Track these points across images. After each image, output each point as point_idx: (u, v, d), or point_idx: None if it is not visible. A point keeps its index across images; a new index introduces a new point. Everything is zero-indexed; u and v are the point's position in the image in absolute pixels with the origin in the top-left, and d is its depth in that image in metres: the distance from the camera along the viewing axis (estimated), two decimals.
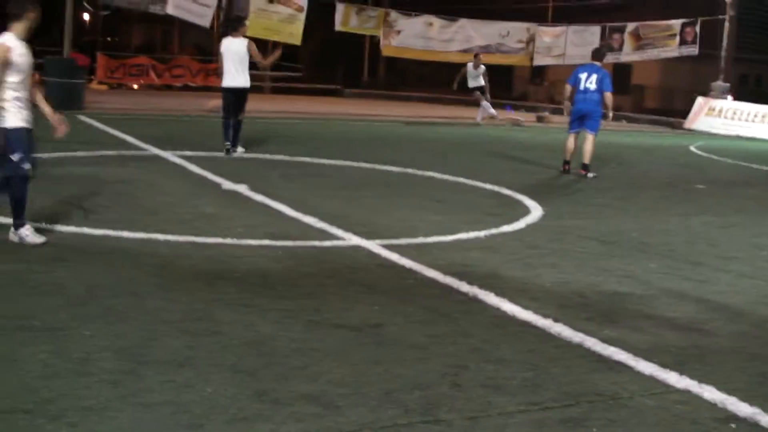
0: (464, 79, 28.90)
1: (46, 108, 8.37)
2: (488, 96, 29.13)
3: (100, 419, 4.61)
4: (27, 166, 8.16)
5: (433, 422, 4.85)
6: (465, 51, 34.87)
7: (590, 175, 16.68)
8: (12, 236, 8.33)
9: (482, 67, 28.79)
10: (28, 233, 8.31)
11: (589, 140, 16.90)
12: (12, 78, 8.03)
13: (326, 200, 11.92)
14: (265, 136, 19.85)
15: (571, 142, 17.17)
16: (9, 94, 8.05)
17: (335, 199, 12.11)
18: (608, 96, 16.63)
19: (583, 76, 16.81)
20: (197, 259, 8.25)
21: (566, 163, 17.12)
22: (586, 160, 16.80)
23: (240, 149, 16.32)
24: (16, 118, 8.09)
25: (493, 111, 29.57)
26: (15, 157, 8.05)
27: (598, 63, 17.11)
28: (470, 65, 28.79)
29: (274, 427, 4.63)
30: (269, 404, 4.94)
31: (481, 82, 28.81)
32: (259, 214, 10.60)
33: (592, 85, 16.64)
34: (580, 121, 17.00)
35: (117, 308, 6.55)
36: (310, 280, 7.73)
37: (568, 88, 17.50)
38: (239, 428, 4.60)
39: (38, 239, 8.32)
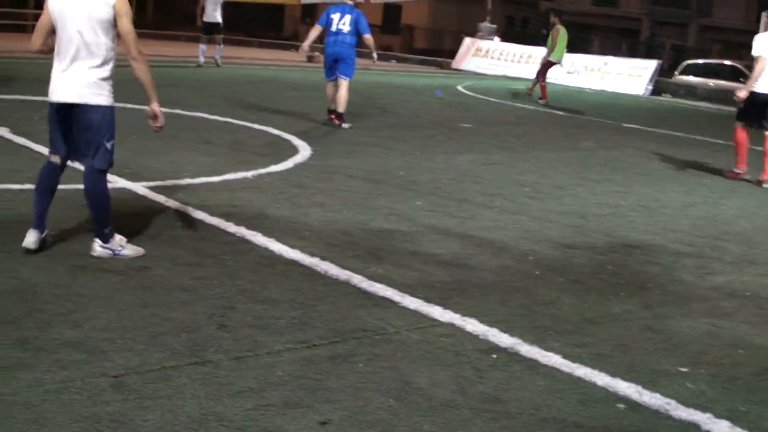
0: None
1: None
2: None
3: None
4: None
5: (201, 363, 4.85)
6: None
7: (345, 125, 15.34)
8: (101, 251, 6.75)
9: None
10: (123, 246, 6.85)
11: (343, 86, 15.37)
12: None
13: None
14: (23, 76, 19.15)
15: (330, 88, 15.68)
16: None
17: None
18: (368, 38, 15.48)
19: (336, 16, 15.27)
20: None
21: (330, 111, 15.74)
22: (340, 108, 15.39)
23: None
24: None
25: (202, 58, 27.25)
26: (110, 145, 6.82)
27: (351, 2, 15.54)
28: None
29: (38, 375, 4.53)
30: (32, 352, 4.82)
31: (218, 17, 27.07)
32: (21, 158, 10.24)
33: (345, 26, 15.19)
34: (334, 65, 15.44)
35: None
36: (74, 223, 7.54)
37: (318, 28, 15.74)
38: (0, 377, 4.48)
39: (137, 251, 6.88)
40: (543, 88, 24.56)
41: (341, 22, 15.23)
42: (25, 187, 8.64)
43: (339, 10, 15.35)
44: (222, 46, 27.82)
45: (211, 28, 27.10)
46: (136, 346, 5.03)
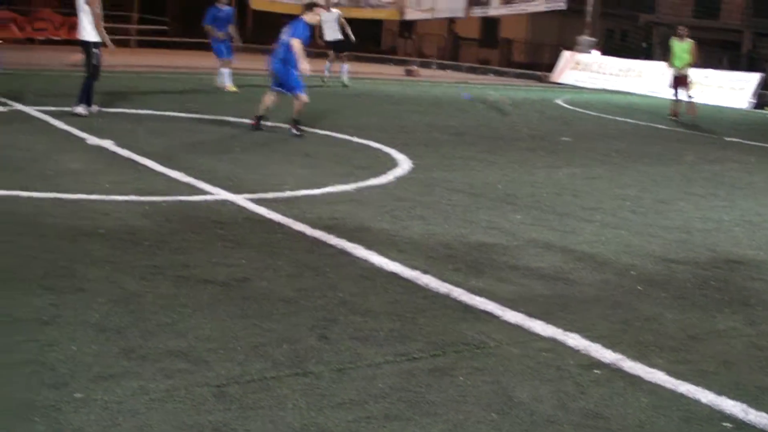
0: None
1: None
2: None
3: None
4: None
5: (302, 374, 4.86)
6: (335, 5, 34.72)
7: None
8: None
9: (334, 11, 26.33)
10: None
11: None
12: None
13: (194, 155, 11.80)
14: (131, 90, 19.53)
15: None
16: None
17: (203, 154, 11.99)
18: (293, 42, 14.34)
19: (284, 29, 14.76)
20: (61, 215, 8.08)
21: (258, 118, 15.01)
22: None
23: (89, 107, 15.15)
24: None
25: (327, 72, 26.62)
26: None
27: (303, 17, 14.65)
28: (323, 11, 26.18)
29: (143, 384, 4.59)
30: (137, 361, 4.89)
31: (338, 34, 26.33)
32: (125, 170, 10.43)
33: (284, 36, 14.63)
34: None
35: None
36: (178, 235, 7.65)
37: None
38: (106, 386, 4.54)
39: None
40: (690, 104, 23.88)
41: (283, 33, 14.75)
42: (130, 198, 8.80)
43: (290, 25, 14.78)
44: (347, 65, 26.89)
45: (335, 46, 26.56)
46: (238, 356, 5.07)
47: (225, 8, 21.59)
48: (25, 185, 9.06)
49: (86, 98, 14.91)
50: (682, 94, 23.82)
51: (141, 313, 5.67)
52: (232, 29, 21.89)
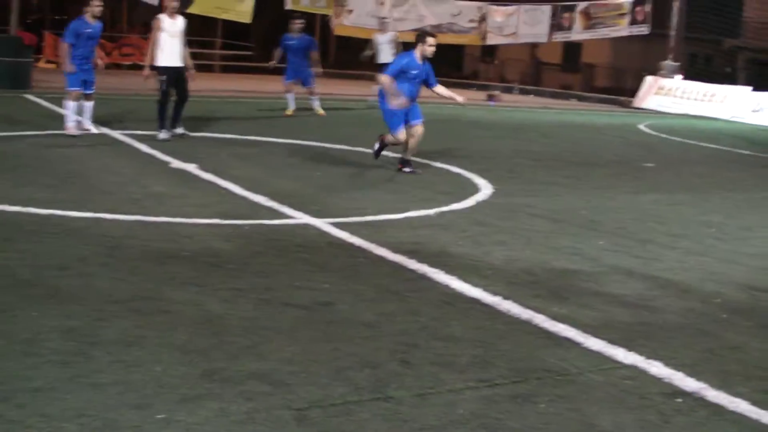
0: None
1: None
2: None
3: (48, 400, 4.57)
4: None
5: (383, 399, 4.87)
6: (417, 30, 34.67)
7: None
8: None
9: (391, 33, 24.85)
10: None
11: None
12: None
13: (276, 179, 11.90)
14: (215, 114, 19.77)
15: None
16: None
17: (286, 178, 12.09)
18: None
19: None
20: (146, 238, 8.20)
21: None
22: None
23: (180, 129, 15.63)
24: None
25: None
26: None
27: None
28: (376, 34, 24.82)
29: (224, 406, 4.63)
30: (219, 383, 4.93)
31: (387, 57, 24.24)
32: (208, 193, 10.55)
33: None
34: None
35: (65, 289, 6.51)
36: (260, 258, 7.72)
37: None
38: (188, 407, 4.59)
39: None
40: None
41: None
42: (213, 221, 8.90)
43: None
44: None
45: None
46: (320, 379, 5.09)
47: (297, 36, 21.95)
48: (111, 208, 9.22)
49: (162, 122, 15.14)
50: None
51: (224, 335, 5.72)
52: (314, 56, 22.12)
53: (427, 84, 13.63)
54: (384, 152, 14.05)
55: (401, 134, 13.37)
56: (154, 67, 15.23)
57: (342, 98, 27.60)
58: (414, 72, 13.23)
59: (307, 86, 22.26)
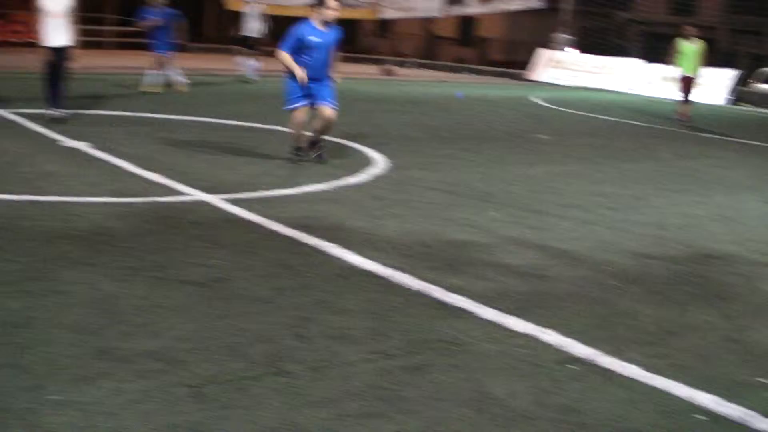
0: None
1: None
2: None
3: None
4: None
5: (279, 374, 4.87)
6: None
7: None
8: None
9: (258, 6, 25.82)
10: None
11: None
12: None
13: (170, 156, 11.77)
14: (107, 92, 19.47)
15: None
16: None
17: (178, 155, 11.95)
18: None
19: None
20: (37, 218, 8.04)
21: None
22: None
23: (59, 110, 14.68)
24: None
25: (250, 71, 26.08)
26: None
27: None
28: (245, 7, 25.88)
29: (119, 385, 4.58)
30: (113, 362, 4.88)
31: (254, 31, 25.77)
32: (100, 172, 10.39)
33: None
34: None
35: None
36: (154, 236, 7.64)
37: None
38: (82, 387, 4.53)
39: None
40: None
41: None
42: (106, 200, 8.78)
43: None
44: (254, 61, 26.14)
45: (253, 42, 25.98)
46: (215, 356, 5.06)
47: (158, 9, 21.25)
48: (2, 188, 9.01)
49: (51, 101, 14.71)
50: (691, 96, 22.46)
51: (117, 314, 5.66)
52: (178, 28, 21.61)
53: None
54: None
55: (299, 113, 11.86)
56: (39, 46, 14.83)
57: (231, 74, 27.36)
58: (316, 40, 11.71)
59: (165, 58, 21.53)
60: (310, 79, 11.73)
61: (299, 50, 11.73)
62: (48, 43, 14.52)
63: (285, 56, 11.71)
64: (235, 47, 26.97)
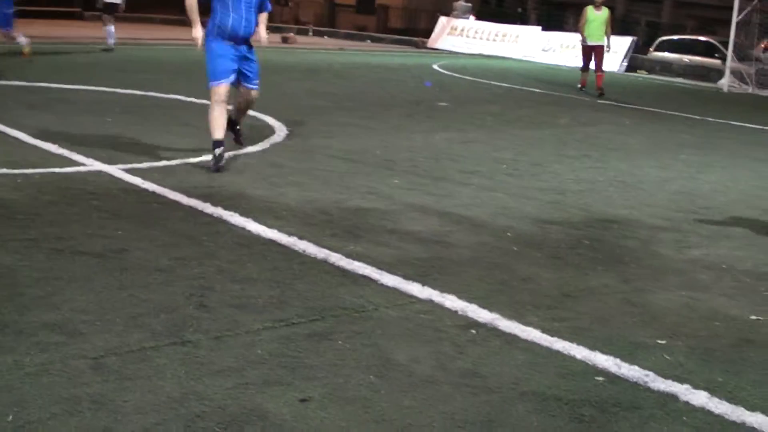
0: None
1: None
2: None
3: None
4: None
5: (180, 343, 4.84)
6: None
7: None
8: None
9: None
10: None
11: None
12: None
13: (66, 126, 11.57)
14: (0, 62, 19.07)
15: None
16: None
17: (75, 125, 11.76)
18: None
19: None
20: None
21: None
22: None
23: None
24: None
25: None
26: None
27: None
28: None
29: (18, 358, 4.52)
30: (11, 336, 4.81)
31: None
32: None
33: None
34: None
35: None
36: (52, 208, 7.52)
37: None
38: None
39: None
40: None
41: None
42: (0, 171, 8.61)
43: None
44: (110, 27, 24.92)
45: (113, 8, 24.89)
46: (115, 327, 5.02)
47: None
48: None
49: None
50: (593, 65, 22.72)
51: (15, 287, 5.57)
52: None
53: (261, 8, 10.02)
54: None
55: (220, 88, 9.72)
56: None
57: (129, 43, 26.99)
58: None
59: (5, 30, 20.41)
60: (231, 39, 9.70)
61: (219, 5, 9.67)
62: None
63: (192, 3, 9.76)
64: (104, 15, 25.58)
